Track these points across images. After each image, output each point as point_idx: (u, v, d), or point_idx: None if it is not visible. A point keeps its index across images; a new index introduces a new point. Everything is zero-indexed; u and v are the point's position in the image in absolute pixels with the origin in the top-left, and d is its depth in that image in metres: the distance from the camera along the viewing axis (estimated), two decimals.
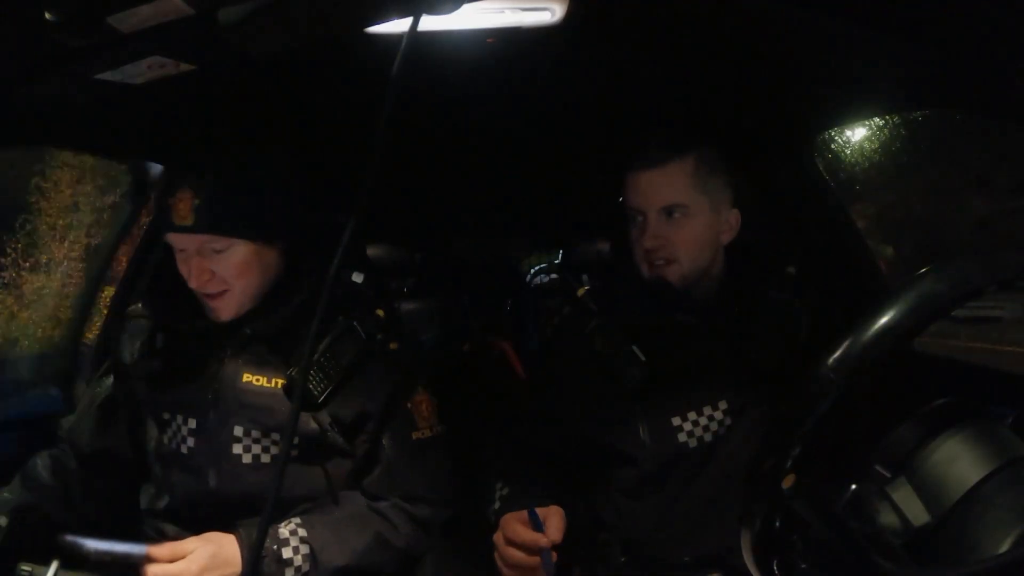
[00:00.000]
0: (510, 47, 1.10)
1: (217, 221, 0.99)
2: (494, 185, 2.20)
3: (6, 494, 1.07)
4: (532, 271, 3.55)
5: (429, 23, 0.95)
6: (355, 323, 1.08)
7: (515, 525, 0.92)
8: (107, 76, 0.87)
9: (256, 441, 1.06)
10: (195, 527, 1.01)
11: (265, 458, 1.06)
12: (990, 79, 0.86)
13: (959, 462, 0.62)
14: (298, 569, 0.98)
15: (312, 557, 0.99)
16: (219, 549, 0.94)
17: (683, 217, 1.10)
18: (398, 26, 0.92)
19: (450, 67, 1.17)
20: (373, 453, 1.09)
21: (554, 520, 0.91)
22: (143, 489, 1.14)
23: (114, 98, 0.95)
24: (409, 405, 1.12)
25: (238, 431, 1.06)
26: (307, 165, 1.82)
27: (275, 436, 1.06)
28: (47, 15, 0.67)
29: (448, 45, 1.06)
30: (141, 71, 0.87)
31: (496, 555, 0.94)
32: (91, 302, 1.61)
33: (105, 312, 1.63)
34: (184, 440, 1.08)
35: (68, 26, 0.69)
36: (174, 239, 1.02)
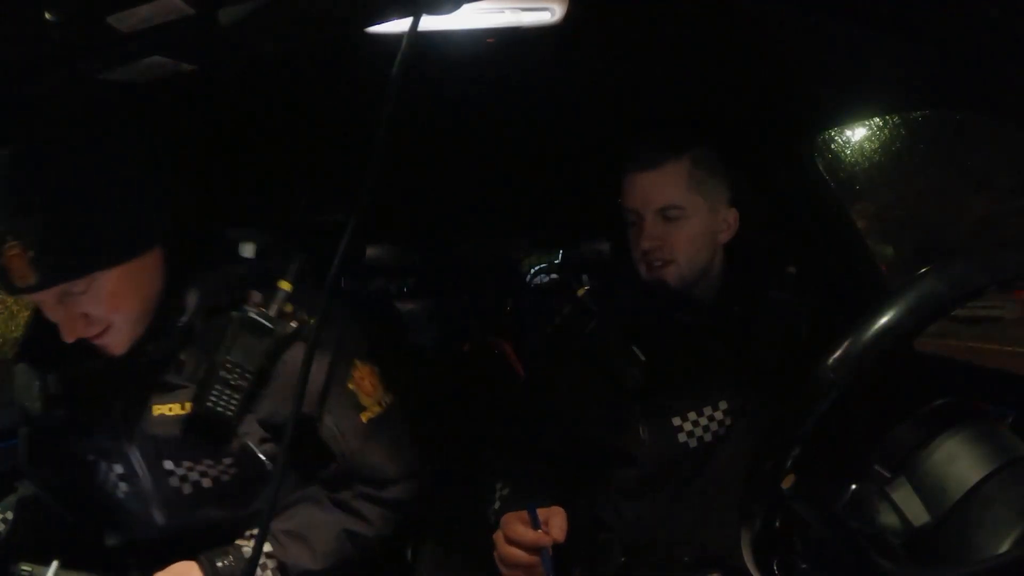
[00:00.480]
0: (510, 47, 1.10)
1: (65, 266, 0.81)
2: (494, 185, 2.20)
3: (11, 497, 1.06)
4: (532, 271, 3.54)
5: (429, 23, 0.95)
6: (252, 314, 0.93)
7: (515, 524, 0.91)
8: (107, 76, 0.87)
9: (190, 470, 0.97)
10: (163, 557, 0.94)
11: (206, 482, 0.98)
12: (990, 79, 0.86)
13: (959, 462, 0.62)
14: None
15: (281, 569, 0.95)
16: None
17: (680, 218, 1.10)
18: (398, 26, 0.92)
19: (450, 67, 1.17)
20: (323, 447, 1.00)
21: (556, 520, 0.91)
22: (104, 527, 1.07)
23: (114, 98, 0.95)
24: (350, 385, 1.00)
25: (168, 465, 0.96)
26: (305, 165, 1.83)
27: (208, 461, 0.97)
28: (47, 15, 0.67)
29: (448, 45, 1.06)
30: (141, 71, 0.87)
31: (496, 554, 0.94)
32: None
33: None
34: (116, 485, 0.99)
35: (68, 26, 0.69)
36: (29, 299, 0.86)
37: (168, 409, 0.94)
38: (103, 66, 0.84)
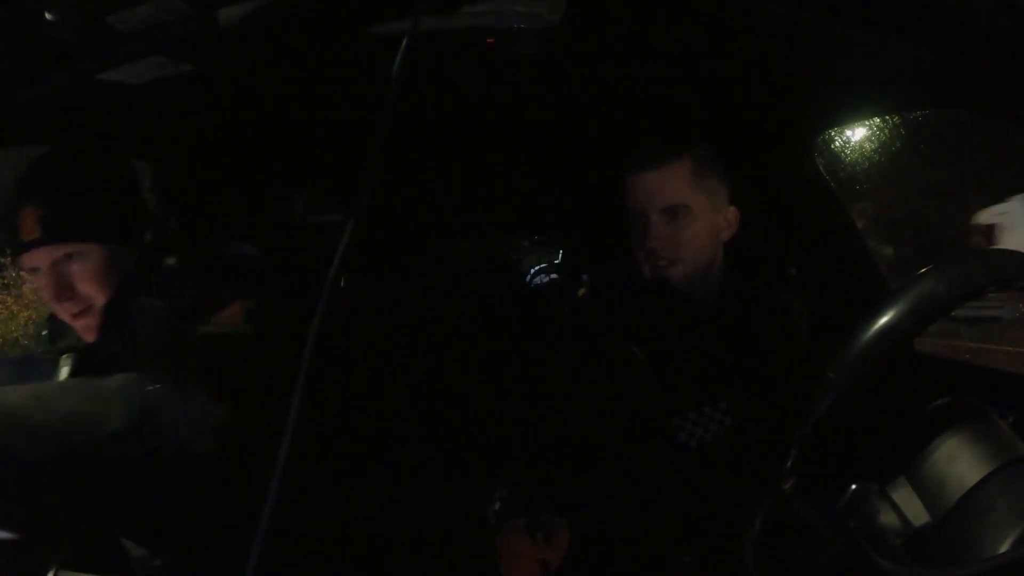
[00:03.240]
0: (510, 47, 1.10)
1: (64, 227, 0.94)
2: (494, 185, 2.20)
3: None
4: (532, 271, 3.54)
5: (429, 23, 0.95)
6: None
7: (516, 535, 0.92)
8: (107, 76, 0.87)
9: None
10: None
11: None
12: (990, 79, 0.86)
13: (959, 462, 0.62)
14: None
15: None
16: None
17: (686, 217, 1.10)
18: (398, 26, 0.92)
19: (450, 67, 1.17)
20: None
21: (560, 535, 0.92)
22: None
23: (114, 98, 0.95)
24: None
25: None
26: (304, 165, 1.82)
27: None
28: (47, 15, 0.67)
29: (448, 45, 1.06)
30: (141, 71, 0.87)
31: (498, 558, 0.95)
32: None
33: None
34: None
35: (68, 26, 0.69)
36: (28, 260, 0.96)
37: None
38: (103, 66, 0.84)
